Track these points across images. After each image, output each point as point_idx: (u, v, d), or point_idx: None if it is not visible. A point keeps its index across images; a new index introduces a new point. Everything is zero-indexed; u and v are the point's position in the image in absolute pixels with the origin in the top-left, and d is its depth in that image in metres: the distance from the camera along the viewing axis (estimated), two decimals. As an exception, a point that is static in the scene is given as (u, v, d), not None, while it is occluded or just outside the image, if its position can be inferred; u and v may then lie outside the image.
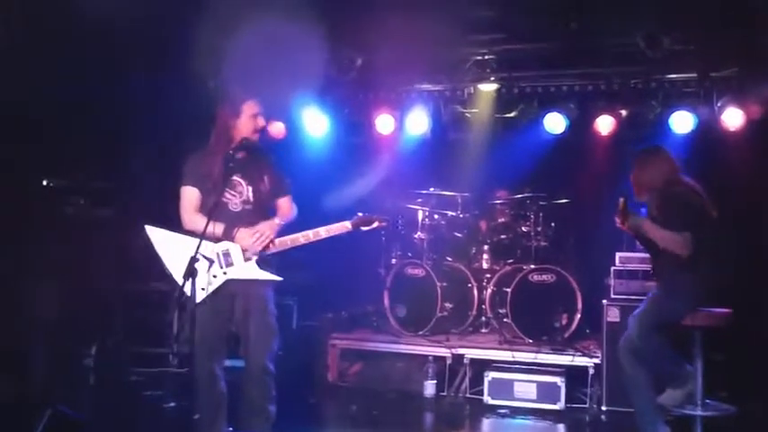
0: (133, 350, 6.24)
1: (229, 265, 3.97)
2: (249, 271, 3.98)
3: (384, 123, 7.01)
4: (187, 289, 3.61)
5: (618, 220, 4.47)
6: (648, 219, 4.49)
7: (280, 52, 6.12)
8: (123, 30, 5.46)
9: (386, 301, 6.49)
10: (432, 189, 6.75)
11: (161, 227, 3.99)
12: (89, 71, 5.58)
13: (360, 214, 4.13)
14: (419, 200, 6.77)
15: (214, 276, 3.94)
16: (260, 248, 3.94)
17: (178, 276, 3.76)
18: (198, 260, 3.63)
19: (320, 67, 6.65)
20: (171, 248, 3.94)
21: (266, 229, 3.96)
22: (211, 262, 3.93)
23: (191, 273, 3.59)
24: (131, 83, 5.98)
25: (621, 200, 4.38)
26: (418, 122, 6.94)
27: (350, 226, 4.08)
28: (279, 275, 4.04)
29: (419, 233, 6.70)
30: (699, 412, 4.24)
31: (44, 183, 5.84)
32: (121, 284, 6.33)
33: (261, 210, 4.10)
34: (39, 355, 5.22)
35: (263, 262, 4.01)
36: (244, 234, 3.94)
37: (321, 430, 5.20)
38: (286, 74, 6.38)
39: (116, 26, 5.38)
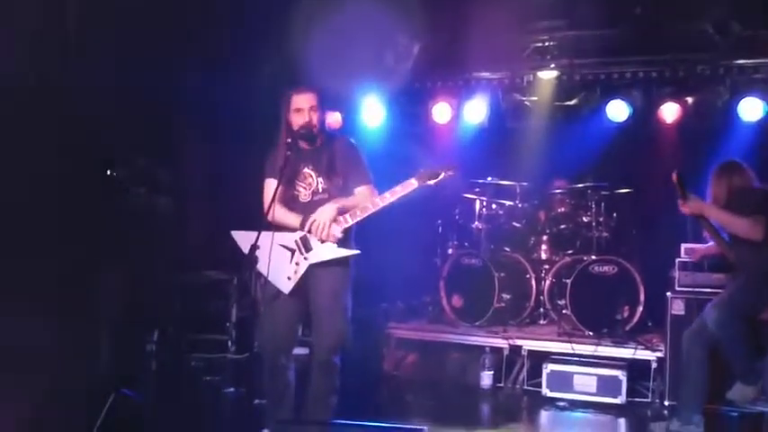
0: (192, 337, 6.36)
1: (309, 249, 3.95)
2: (328, 251, 3.93)
3: (441, 112, 6.96)
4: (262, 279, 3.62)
5: (680, 203, 4.36)
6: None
7: (337, 41, 6.12)
8: (179, 17, 5.52)
9: (442, 292, 6.45)
10: (490, 178, 6.66)
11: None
12: (145, 61, 5.65)
13: (422, 169, 3.90)
14: (477, 189, 6.69)
15: (297, 264, 3.96)
16: (323, 235, 3.88)
17: (269, 275, 3.84)
18: (258, 248, 3.66)
19: (378, 55, 6.64)
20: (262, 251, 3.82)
21: (319, 216, 3.87)
22: (292, 251, 3.96)
23: (250, 261, 3.62)
24: (188, 72, 6.04)
25: (675, 174, 4.26)
26: (476, 111, 6.88)
27: (416, 183, 3.87)
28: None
29: (476, 223, 6.62)
30: (769, 409, 4.08)
31: (108, 173, 5.97)
32: (180, 272, 6.44)
33: (325, 202, 4.03)
34: (105, 342, 5.33)
35: (341, 239, 3.94)
36: (323, 212, 3.88)
37: (377, 420, 5.16)
38: (343, 63, 6.38)
39: (172, 14, 5.45)
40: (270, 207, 3.82)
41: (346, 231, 3.95)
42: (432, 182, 3.90)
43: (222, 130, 6.44)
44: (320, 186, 4.03)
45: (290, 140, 3.89)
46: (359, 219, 3.93)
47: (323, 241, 3.92)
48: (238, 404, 5.11)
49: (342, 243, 3.95)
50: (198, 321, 6.45)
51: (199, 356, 6.27)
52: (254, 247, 3.64)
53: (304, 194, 4.02)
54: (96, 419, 3.92)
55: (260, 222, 3.84)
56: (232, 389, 5.51)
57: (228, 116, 6.38)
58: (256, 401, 4.57)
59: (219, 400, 5.29)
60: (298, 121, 3.97)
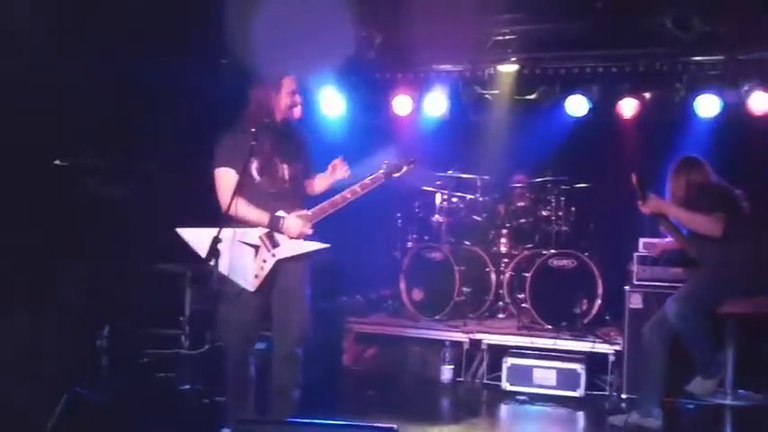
0: (144, 332, 6.19)
1: (276, 245, 3.87)
2: (297, 246, 3.88)
3: (401, 104, 6.92)
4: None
5: (640, 203, 4.40)
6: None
7: (297, 30, 6.00)
8: (137, 7, 5.36)
9: (402, 285, 6.40)
10: (450, 171, 6.63)
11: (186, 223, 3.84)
12: (101, 48, 5.47)
13: (386, 162, 4.01)
14: (438, 182, 6.65)
15: (264, 261, 3.86)
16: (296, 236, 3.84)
17: (230, 272, 3.74)
18: (221, 241, 3.54)
19: (340, 45, 6.53)
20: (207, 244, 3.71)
21: (290, 224, 3.83)
22: (257, 248, 3.85)
23: (213, 253, 3.51)
24: (146, 60, 5.86)
25: (633, 175, 4.30)
26: (437, 104, 6.84)
27: (383, 176, 3.96)
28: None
29: (437, 216, 6.59)
30: (729, 401, 4.14)
31: (55, 162, 5.76)
32: (131, 265, 6.25)
33: (296, 190, 4.00)
34: (55, 337, 5.15)
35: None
36: (291, 224, 3.82)
37: (337, 415, 5.09)
38: (304, 52, 6.25)
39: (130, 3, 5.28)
40: (232, 200, 3.69)
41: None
42: (396, 175, 4.00)
43: (180, 119, 6.26)
44: (286, 175, 3.94)
45: (254, 129, 3.76)
46: (329, 213, 3.90)
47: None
48: (196, 402, 4.97)
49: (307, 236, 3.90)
50: (150, 316, 6.28)
51: (151, 352, 6.09)
52: (217, 239, 3.53)
53: (270, 184, 3.90)
54: (48, 420, 3.76)
55: (218, 214, 3.76)
56: (188, 386, 5.36)
57: (186, 106, 6.20)
58: (215, 399, 4.49)
59: (176, 398, 5.14)
60: (293, 102, 3.90)
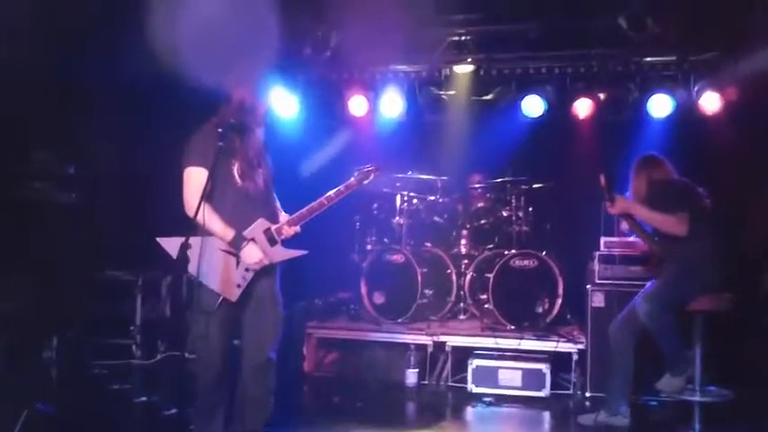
0: (94, 342, 5.94)
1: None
2: (278, 253, 3.82)
3: (357, 105, 6.82)
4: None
5: (607, 204, 4.42)
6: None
7: (249, 28, 5.84)
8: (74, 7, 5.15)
9: (363, 288, 6.30)
10: (410, 173, 6.57)
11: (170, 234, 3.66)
12: (43, 49, 5.23)
13: (357, 170, 4.09)
14: (397, 184, 6.58)
15: (246, 270, 3.74)
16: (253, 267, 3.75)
17: (209, 281, 3.64)
18: (190, 246, 3.39)
19: (294, 45, 6.41)
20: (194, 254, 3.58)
21: (255, 258, 3.73)
22: (238, 258, 3.72)
23: (182, 260, 3.36)
24: (89, 61, 5.62)
25: (602, 176, 4.32)
26: (393, 104, 6.76)
27: (355, 183, 4.02)
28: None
29: (397, 218, 6.53)
30: (697, 398, 4.20)
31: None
32: (80, 273, 6.00)
33: (271, 196, 3.96)
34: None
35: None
36: (251, 252, 3.71)
37: (303, 423, 4.99)
38: (256, 52, 6.10)
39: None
40: (199, 203, 3.52)
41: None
42: (366, 182, 4.06)
43: (133, 123, 6.05)
44: (260, 179, 3.85)
45: (220, 130, 3.63)
46: (306, 219, 3.88)
47: (272, 243, 3.80)
48: (154, 415, 4.77)
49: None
50: (100, 325, 6.04)
51: (102, 363, 5.86)
52: (186, 245, 3.38)
53: (247, 188, 3.78)
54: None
55: (175, 221, 3.65)
56: (144, 398, 5.16)
57: (138, 108, 5.99)
58: (173, 411, 4.33)
59: (133, 412, 4.93)
60: (258, 108, 3.84)
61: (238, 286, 3.71)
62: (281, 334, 3.93)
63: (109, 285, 6.23)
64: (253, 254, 3.70)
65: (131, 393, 5.30)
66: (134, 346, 6.23)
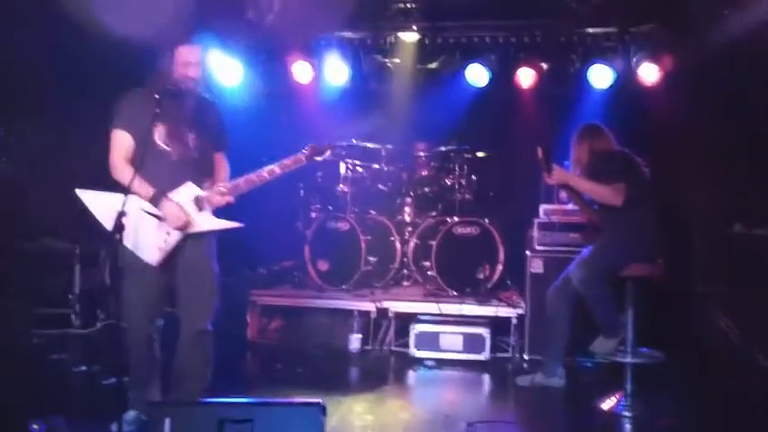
0: (32, 312, 5.81)
1: None
2: (207, 222, 3.75)
3: (301, 71, 6.75)
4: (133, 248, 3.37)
5: (545, 175, 4.49)
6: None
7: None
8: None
9: (307, 256, 6.31)
10: (354, 141, 6.55)
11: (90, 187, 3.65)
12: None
13: (310, 145, 4.01)
14: (342, 152, 6.56)
15: (167, 233, 3.68)
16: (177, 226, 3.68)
17: (128, 242, 3.56)
18: (125, 214, 3.35)
19: (236, 10, 6.29)
20: (108, 210, 3.57)
21: (175, 217, 3.67)
22: (160, 219, 3.65)
23: (118, 228, 3.31)
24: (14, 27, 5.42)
25: (539, 149, 4.39)
26: (338, 72, 6.72)
27: (304, 159, 3.94)
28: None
29: (341, 186, 6.52)
30: (629, 360, 4.35)
31: None
32: (13, 241, 5.83)
33: (204, 161, 3.86)
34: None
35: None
36: (171, 210, 3.65)
37: (246, 389, 5.00)
38: (196, 17, 5.96)
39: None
40: (119, 163, 3.60)
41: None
42: (318, 158, 4.00)
43: (64, 85, 5.85)
44: (192, 143, 3.78)
45: (157, 96, 3.56)
46: (244, 191, 3.81)
47: (201, 210, 3.74)
48: (94, 384, 4.71)
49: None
50: (36, 294, 5.90)
51: (40, 333, 5.74)
52: (122, 213, 3.33)
53: (175, 152, 3.73)
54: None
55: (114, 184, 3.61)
56: (84, 367, 5.08)
57: (69, 71, 5.80)
58: (112, 380, 4.28)
59: (71, 381, 4.86)
60: (187, 73, 3.69)
61: (159, 249, 3.66)
62: (217, 305, 3.88)
63: (46, 254, 6.08)
64: (173, 212, 3.63)
65: (70, 363, 5.21)
66: (73, 316, 6.11)
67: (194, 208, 3.73)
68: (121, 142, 3.67)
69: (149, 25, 4.71)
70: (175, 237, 3.69)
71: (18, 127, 5.82)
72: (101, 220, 3.64)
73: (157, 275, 3.72)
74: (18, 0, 5.31)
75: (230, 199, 3.79)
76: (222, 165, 3.99)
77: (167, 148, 3.70)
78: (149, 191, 3.61)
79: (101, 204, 3.61)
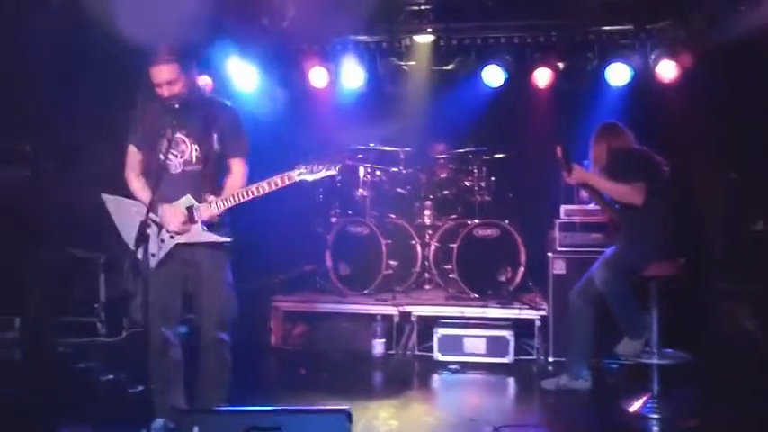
0: (58, 321, 5.88)
1: None
2: (195, 234, 3.76)
3: (317, 76, 6.76)
4: (140, 254, 3.40)
5: (565, 174, 4.48)
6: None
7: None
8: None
9: (328, 261, 6.33)
10: (372, 144, 6.56)
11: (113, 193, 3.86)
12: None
13: (304, 164, 3.75)
14: (359, 156, 6.58)
15: (162, 241, 3.76)
16: (173, 230, 3.74)
17: (131, 243, 3.57)
18: (149, 225, 3.40)
19: (252, 16, 6.32)
20: (125, 216, 3.76)
21: (170, 217, 3.72)
22: (160, 227, 3.75)
23: (142, 238, 3.35)
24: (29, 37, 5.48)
25: (558, 148, 4.37)
26: (353, 76, 6.72)
27: (296, 177, 3.71)
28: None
29: (361, 190, 6.53)
30: (655, 360, 4.33)
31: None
32: (40, 251, 5.90)
33: (208, 172, 3.80)
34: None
35: (212, 224, 3.79)
36: (168, 216, 3.73)
37: (271, 395, 5.03)
38: (212, 22, 5.99)
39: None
40: (128, 176, 3.81)
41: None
42: (311, 178, 3.74)
43: (84, 98, 5.91)
44: (194, 155, 3.78)
45: (168, 101, 3.64)
46: (230, 206, 3.76)
47: (193, 222, 3.77)
48: (123, 393, 4.76)
49: (211, 227, 3.79)
50: (62, 304, 5.97)
51: (66, 342, 5.80)
52: (145, 224, 3.38)
53: (175, 164, 3.76)
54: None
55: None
56: (111, 376, 5.13)
57: (87, 83, 5.86)
58: (139, 388, 4.31)
59: (98, 390, 4.91)
60: (162, 93, 3.70)
61: (153, 255, 3.72)
62: (233, 314, 3.89)
63: (72, 264, 6.15)
64: (169, 219, 3.72)
65: (97, 372, 5.26)
66: (98, 324, 6.17)
67: (188, 220, 3.75)
68: (129, 158, 3.87)
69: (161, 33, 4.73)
70: (169, 245, 3.76)
71: (44, 137, 5.91)
72: (119, 229, 3.83)
73: (166, 281, 3.79)
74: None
75: (214, 212, 3.74)
76: (235, 171, 3.89)
77: (168, 161, 3.74)
78: (148, 197, 3.65)
79: (122, 211, 3.81)
